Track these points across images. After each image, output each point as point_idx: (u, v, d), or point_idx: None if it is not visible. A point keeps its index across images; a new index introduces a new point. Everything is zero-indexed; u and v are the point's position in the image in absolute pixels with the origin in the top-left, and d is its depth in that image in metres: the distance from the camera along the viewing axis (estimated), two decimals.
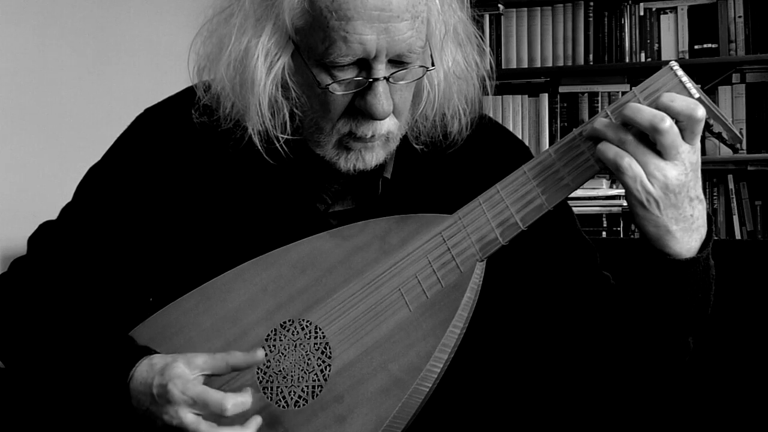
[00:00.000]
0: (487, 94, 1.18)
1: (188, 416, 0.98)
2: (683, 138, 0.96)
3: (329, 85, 1.02)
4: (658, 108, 0.95)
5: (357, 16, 0.98)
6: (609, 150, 0.97)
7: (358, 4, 0.98)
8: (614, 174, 0.98)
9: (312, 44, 1.02)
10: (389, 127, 1.07)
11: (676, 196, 0.97)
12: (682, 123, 0.95)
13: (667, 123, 0.94)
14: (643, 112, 0.95)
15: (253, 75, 1.05)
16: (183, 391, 0.98)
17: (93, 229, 1.17)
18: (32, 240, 1.22)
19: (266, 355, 1.06)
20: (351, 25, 0.98)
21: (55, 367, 1.08)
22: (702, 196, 1.00)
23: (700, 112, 0.95)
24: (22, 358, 1.13)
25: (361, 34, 0.99)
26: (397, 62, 1.03)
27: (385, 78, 1.02)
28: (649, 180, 0.96)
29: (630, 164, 0.96)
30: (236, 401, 0.99)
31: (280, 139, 1.08)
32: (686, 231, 0.99)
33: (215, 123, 1.11)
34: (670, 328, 1.07)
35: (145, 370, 1.02)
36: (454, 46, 1.11)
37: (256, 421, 1.01)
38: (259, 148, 1.08)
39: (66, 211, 1.21)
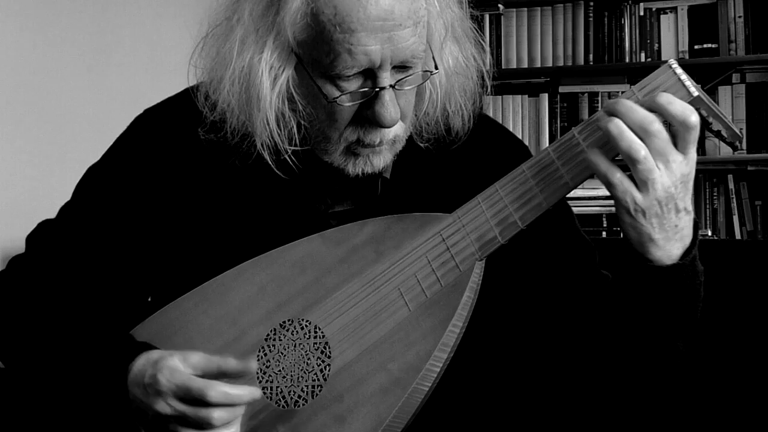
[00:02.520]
0: (487, 92, 1.18)
1: (178, 405, 0.98)
2: (675, 146, 0.95)
3: (336, 98, 1.02)
4: (652, 107, 0.95)
5: (361, 28, 0.98)
6: (601, 164, 0.97)
7: (361, 16, 0.98)
8: (605, 186, 0.98)
9: (316, 57, 1.02)
10: (396, 131, 1.08)
11: (662, 208, 0.97)
12: (675, 128, 0.95)
13: (656, 126, 0.94)
14: (635, 112, 0.95)
15: (259, 91, 1.04)
16: (169, 380, 0.98)
17: (92, 228, 1.17)
18: (30, 238, 1.21)
19: (266, 355, 1.06)
20: (355, 37, 0.98)
21: (54, 364, 1.08)
22: (690, 208, 0.99)
23: (694, 118, 0.94)
24: (20, 354, 1.13)
25: (366, 45, 0.99)
26: (401, 68, 1.04)
27: (391, 86, 1.02)
28: (639, 191, 0.96)
29: (621, 180, 0.96)
30: (219, 390, 0.97)
31: (288, 150, 1.08)
32: (669, 240, 0.99)
33: (222, 139, 1.11)
34: (656, 332, 1.07)
35: (141, 363, 1.02)
36: (453, 43, 1.11)
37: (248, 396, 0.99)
38: (269, 161, 1.08)
39: (65, 210, 1.21)
